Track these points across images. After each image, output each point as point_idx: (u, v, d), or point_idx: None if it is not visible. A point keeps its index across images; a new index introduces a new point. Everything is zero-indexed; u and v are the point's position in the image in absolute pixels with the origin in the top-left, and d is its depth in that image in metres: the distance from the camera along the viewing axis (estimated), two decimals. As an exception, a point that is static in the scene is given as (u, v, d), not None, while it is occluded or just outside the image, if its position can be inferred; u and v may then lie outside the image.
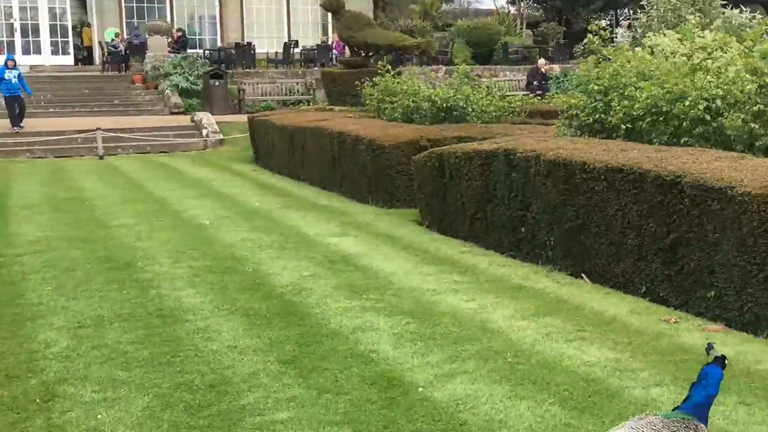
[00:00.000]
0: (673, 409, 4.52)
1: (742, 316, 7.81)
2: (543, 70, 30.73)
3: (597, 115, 12.23)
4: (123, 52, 36.66)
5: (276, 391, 6.44)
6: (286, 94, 34.57)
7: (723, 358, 4.45)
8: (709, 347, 4.57)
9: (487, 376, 6.63)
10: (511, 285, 9.69)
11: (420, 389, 6.40)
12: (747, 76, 10.29)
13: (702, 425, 4.20)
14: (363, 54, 31.88)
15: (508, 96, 20.86)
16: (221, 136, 27.65)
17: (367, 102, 21.00)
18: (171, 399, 6.31)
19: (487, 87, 20.27)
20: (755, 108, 9.82)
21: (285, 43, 39.93)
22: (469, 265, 10.79)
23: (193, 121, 29.41)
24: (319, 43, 40.65)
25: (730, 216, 7.77)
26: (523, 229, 11.06)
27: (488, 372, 6.73)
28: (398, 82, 19.87)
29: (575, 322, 8.06)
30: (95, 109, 31.91)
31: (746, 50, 10.46)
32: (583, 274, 9.88)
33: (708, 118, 10.31)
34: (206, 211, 15.15)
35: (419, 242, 12.34)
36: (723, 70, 10.90)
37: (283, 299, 9.06)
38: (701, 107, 10.25)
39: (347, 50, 35.19)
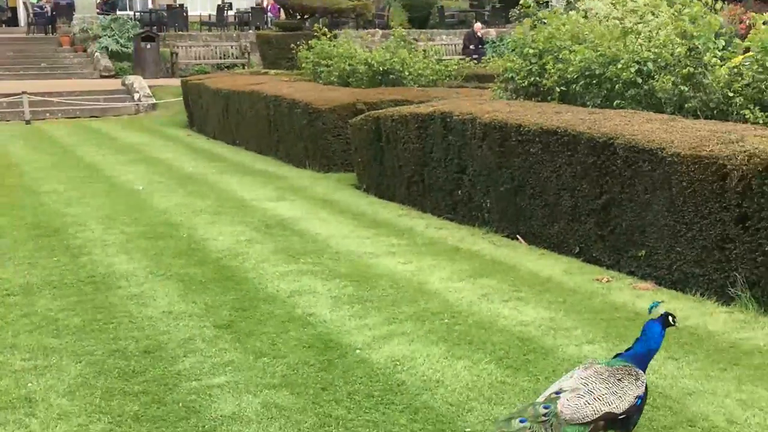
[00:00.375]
0: (614, 356, 4.65)
1: (671, 274, 7.99)
2: (479, 34, 30.79)
3: (532, 78, 12.30)
4: (49, 14, 35.56)
5: (212, 356, 6.39)
6: (220, 58, 33.99)
7: (667, 315, 4.58)
8: (653, 305, 4.70)
9: (425, 337, 6.67)
10: (448, 247, 9.75)
11: (358, 351, 6.41)
12: (677, 39, 10.44)
13: (641, 372, 4.36)
14: (298, 17, 31.52)
15: (444, 60, 20.88)
16: (154, 101, 27.10)
17: (303, 65, 20.79)
18: (104, 366, 6.20)
19: (424, 51, 20.24)
20: (684, 71, 9.98)
21: (218, 5, 39.20)
22: (406, 228, 10.82)
23: (124, 84, 28.73)
24: (254, 5, 40.06)
25: (660, 177, 7.92)
26: (459, 192, 11.11)
27: (425, 333, 6.77)
28: (334, 46, 19.70)
29: (511, 283, 8.16)
30: (21, 72, 30.96)
31: (676, 14, 10.61)
32: (518, 236, 9.99)
33: (639, 80, 10.45)
34: (139, 176, 14.88)
35: (357, 206, 12.32)
36: (654, 34, 11.04)
37: (219, 264, 8.96)
38: (633, 70, 10.38)
39: (282, 13, 34.74)
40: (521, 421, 4.17)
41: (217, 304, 7.60)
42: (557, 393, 4.22)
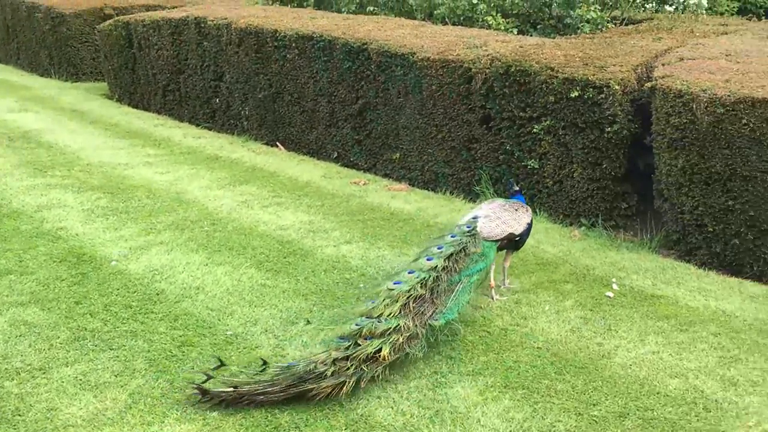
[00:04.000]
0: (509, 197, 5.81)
1: (423, 175, 8.38)
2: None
3: (288, -16, 12.16)
4: None
5: (-50, 277, 5.91)
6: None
7: (519, 191, 5.83)
8: (510, 183, 5.94)
9: (184, 246, 6.57)
10: (207, 156, 9.58)
11: (114, 263, 6.20)
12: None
13: (528, 207, 5.64)
14: None
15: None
16: None
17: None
18: None
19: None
20: (435, -22, 10.28)
21: None
22: (163, 137, 10.48)
23: None
24: None
25: (412, 81, 8.18)
26: (217, 100, 10.88)
27: (185, 241, 6.67)
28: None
29: (271, 189, 8.19)
30: None
31: None
32: (278, 143, 10.00)
33: (392, -13, 10.65)
34: None
35: (109, 116, 11.73)
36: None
37: (-45, 181, 8.25)
38: (386, -23, 10.55)
39: None
40: (452, 236, 5.23)
41: (-47, 222, 7.01)
42: (474, 218, 5.36)
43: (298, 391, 4.26)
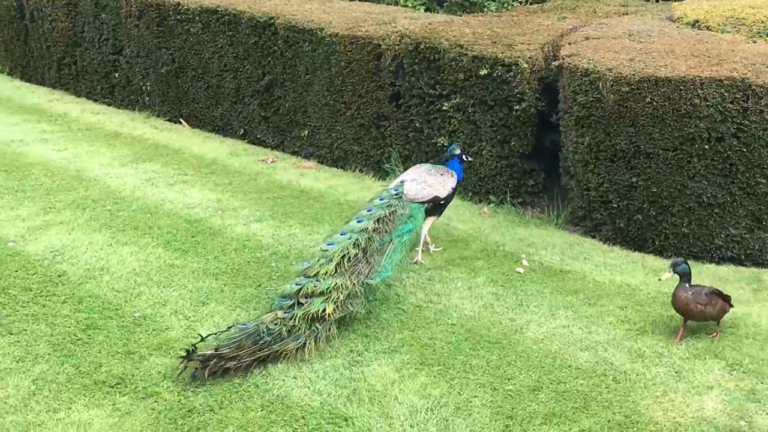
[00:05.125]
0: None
1: (332, 152, 8.30)
2: None
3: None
4: None
5: None
6: None
7: (460, 154, 6.03)
8: (450, 148, 6.10)
9: (86, 225, 6.33)
10: (107, 132, 9.25)
11: (11, 244, 5.91)
12: None
13: (454, 172, 5.88)
14: None
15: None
16: None
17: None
18: None
19: None
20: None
21: None
22: (59, 113, 10.07)
23: None
24: None
25: (320, 57, 8.08)
26: (116, 75, 10.51)
27: (87, 221, 6.42)
28: None
29: (176, 167, 7.97)
30: None
31: None
32: (181, 119, 9.74)
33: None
34: None
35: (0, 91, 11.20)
36: None
37: None
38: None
39: None
40: (380, 199, 5.45)
41: None
42: (402, 182, 5.61)
43: (264, 354, 4.42)
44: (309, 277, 4.83)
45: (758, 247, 6.07)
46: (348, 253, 4.95)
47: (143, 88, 10.14)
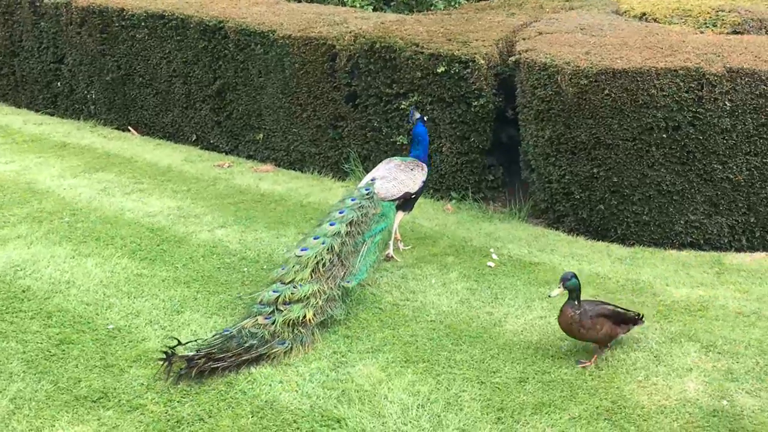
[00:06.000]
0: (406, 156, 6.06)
1: (289, 155, 8.25)
2: None
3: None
4: None
5: None
6: None
7: (421, 117, 6.03)
8: (411, 114, 6.06)
9: (45, 238, 6.17)
10: (54, 143, 9.03)
11: (-32, 261, 5.74)
12: None
13: (424, 164, 5.90)
14: None
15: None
16: None
17: None
18: None
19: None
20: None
21: None
22: (0, 125, 9.79)
23: None
24: None
25: (273, 59, 8.02)
26: (59, 84, 10.27)
27: (45, 234, 6.26)
28: None
29: (130, 175, 7.82)
30: None
31: None
32: (130, 127, 9.56)
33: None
34: None
35: (-65, 104, 10.85)
36: None
37: None
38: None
39: None
40: (352, 200, 5.42)
41: None
42: (372, 180, 5.61)
43: (252, 357, 4.42)
44: (285, 283, 4.81)
45: (716, 231, 6.24)
46: (323, 258, 4.94)
47: (88, 96, 9.92)
